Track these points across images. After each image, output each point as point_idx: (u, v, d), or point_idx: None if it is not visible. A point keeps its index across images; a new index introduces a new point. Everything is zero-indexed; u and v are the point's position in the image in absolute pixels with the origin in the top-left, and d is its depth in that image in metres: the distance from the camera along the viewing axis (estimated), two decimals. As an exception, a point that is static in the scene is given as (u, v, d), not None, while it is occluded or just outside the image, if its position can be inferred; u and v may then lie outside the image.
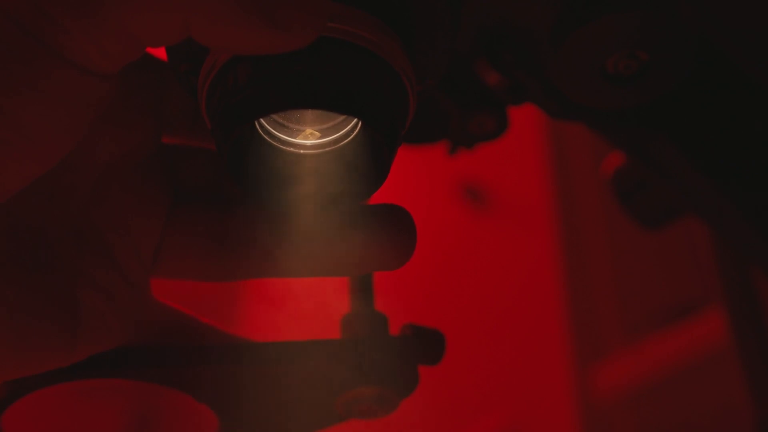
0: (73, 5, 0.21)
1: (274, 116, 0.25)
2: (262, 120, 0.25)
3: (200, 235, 0.27)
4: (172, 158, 0.28)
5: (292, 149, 0.26)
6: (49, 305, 0.24)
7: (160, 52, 0.26)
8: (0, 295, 0.23)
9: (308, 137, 0.26)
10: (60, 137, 0.23)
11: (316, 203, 0.26)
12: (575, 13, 0.31)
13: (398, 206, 0.27)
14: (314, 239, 0.26)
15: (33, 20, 0.21)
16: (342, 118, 0.26)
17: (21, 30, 0.21)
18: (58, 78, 0.22)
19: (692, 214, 0.47)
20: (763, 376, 0.60)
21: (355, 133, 0.26)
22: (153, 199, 0.27)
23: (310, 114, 0.26)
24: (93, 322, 0.25)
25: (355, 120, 0.25)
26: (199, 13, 0.22)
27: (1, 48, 0.21)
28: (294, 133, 0.26)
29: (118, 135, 0.26)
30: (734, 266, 0.62)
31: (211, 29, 0.22)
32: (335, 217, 0.26)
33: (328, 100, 0.23)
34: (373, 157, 0.25)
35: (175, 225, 0.27)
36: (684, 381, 1.09)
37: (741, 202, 0.41)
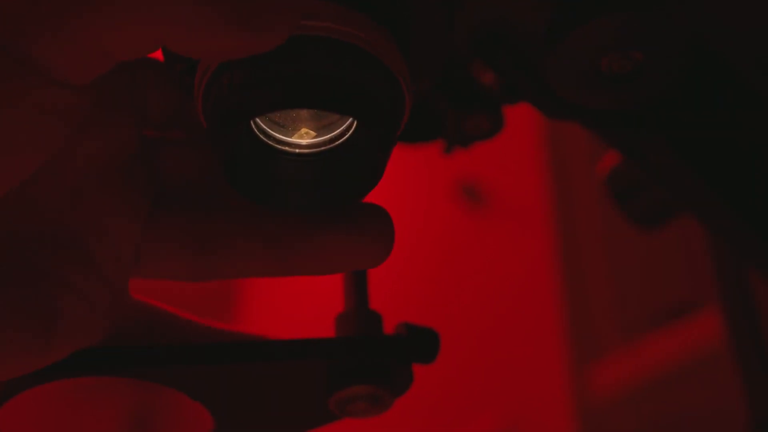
0: (45, 22, 0.21)
1: (270, 115, 0.25)
2: (257, 119, 0.25)
3: (180, 235, 0.27)
4: (151, 157, 0.28)
5: (287, 148, 0.26)
6: (24, 310, 0.24)
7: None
8: None
9: (303, 136, 0.26)
10: (35, 151, 0.23)
11: (310, 202, 0.26)
12: (570, 13, 0.31)
13: (376, 205, 0.27)
14: (292, 238, 0.26)
15: (4, 36, 0.21)
16: (337, 117, 0.26)
17: None
18: (32, 92, 0.22)
19: (688, 214, 0.47)
20: (758, 377, 0.61)
21: (350, 132, 0.26)
22: (132, 199, 0.27)
23: (305, 113, 0.26)
24: (69, 325, 0.25)
25: (351, 119, 0.25)
26: (173, 26, 0.21)
27: None
28: (289, 133, 0.26)
29: (96, 136, 0.26)
30: (730, 266, 0.62)
31: (185, 40, 0.22)
32: (316, 217, 0.26)
33: (323, 100, 0.23)
34: (368, 157, 0.25)
35: (155, 225, 0.27)
36: (680, 381, 1.09)
37: (737, 203, 0.41)
